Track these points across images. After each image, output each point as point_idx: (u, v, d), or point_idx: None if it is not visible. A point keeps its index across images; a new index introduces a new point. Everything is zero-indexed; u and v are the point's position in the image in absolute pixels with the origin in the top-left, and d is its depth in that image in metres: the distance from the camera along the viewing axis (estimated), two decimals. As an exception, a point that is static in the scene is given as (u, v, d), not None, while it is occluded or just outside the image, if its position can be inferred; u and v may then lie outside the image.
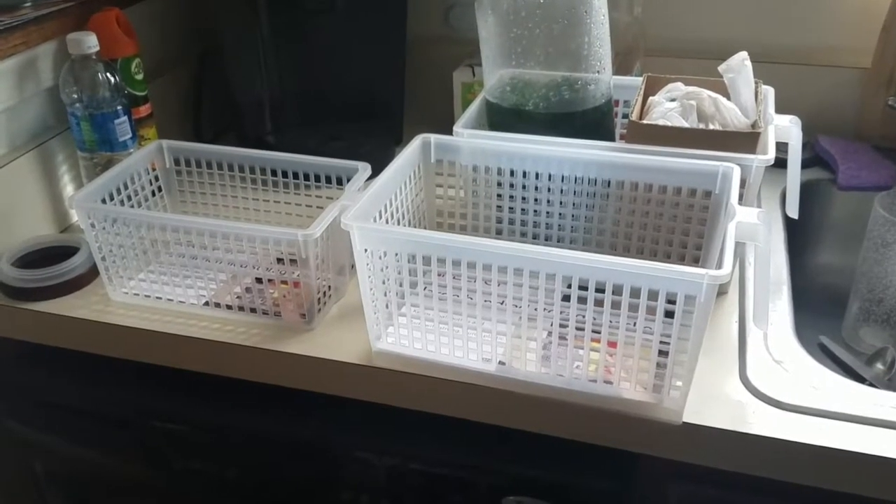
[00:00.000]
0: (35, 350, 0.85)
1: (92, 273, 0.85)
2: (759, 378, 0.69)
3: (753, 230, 0.63)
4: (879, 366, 0.88)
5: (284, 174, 0.87)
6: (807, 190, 0.89)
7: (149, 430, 0.85)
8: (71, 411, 0.88)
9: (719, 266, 0.58)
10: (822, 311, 0.96)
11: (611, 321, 0.63)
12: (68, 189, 0.96)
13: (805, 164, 0.91)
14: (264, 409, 0.82)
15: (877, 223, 0.88)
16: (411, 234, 0.67)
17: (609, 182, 0.78)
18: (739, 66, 0.80)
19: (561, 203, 0.80)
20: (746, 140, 0.75)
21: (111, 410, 0.87)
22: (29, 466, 0.96)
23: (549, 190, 0.80)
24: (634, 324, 0.62)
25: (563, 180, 0.79)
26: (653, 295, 0.60)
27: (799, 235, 0.95)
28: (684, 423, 0.65)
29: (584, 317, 0.63)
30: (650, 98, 0.85)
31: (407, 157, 0.79)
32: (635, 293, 0.60)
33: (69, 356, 0.83)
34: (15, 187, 0.88)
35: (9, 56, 0.87)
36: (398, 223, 0.78)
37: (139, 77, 0.98)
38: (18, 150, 0.90)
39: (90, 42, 0.87)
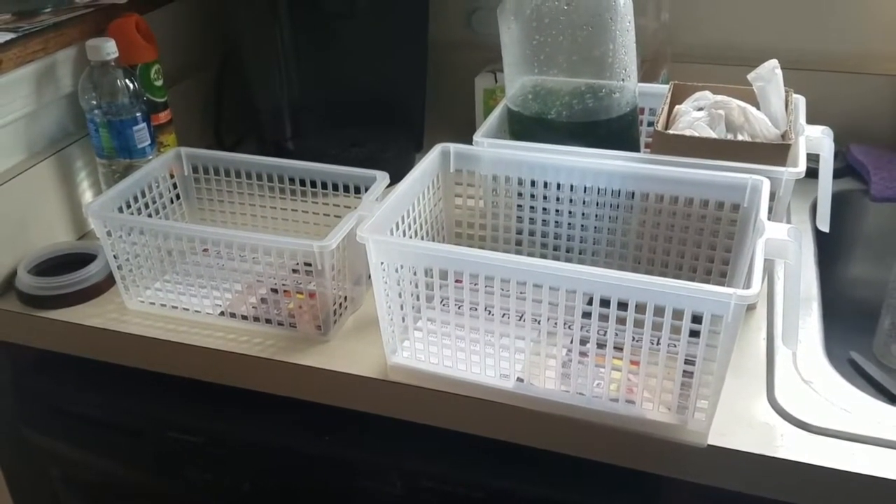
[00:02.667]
0: (51, 358, 0.85)
1: (108, 281, 0.84)
2: (788, 399, 0.67)
3: (783, 247, 0.60)
4: (912, 384, 0.86)
5: (303, 182, 0.86)
6: (838, 201, 0.86)
7: (163, 441, 0.85)
8: (86, 419, 0.88)
9: (747, 285, 0.56)
10: (852, 325, 0.94)
11: (634, 339, 0.61)
12: (87, 195, 0.95)
13: (836, 174, 0.88)
14: (279, 422, 0.81)
15: (912, 236, 0.86)
16: (428, 248, 0.66)
17: (633, 194, 0.76)
18: (769, 75, 0.78)
19: (583, 215, 0.78)
20: (776, 152, 0.73)
21: (126, 420, 0.87)
22: (45, 473, 0.95)
23: (571, 201, 0.78)
24: (658, 342, 0.60)
25: (585, 191, 0.77)
26: (677, 314, 0.58)
27: (830, 247, 0.92)
28: (709, 445, 0.63)
29: (605, 334, 0.61)
30: (677, 107, 0.83)
31: (426, 166, 0.77)
32: (659, 311, 0.58)
33: (85, 364, 0.83)
34: (33, 194, 0.88)
35: (28, 62, 0.87)
36: (416, 234, 0.76)
37: (158, 83, 0.97)
38: (37, 157, 0.89)
39: (109, 48, 0.87)
